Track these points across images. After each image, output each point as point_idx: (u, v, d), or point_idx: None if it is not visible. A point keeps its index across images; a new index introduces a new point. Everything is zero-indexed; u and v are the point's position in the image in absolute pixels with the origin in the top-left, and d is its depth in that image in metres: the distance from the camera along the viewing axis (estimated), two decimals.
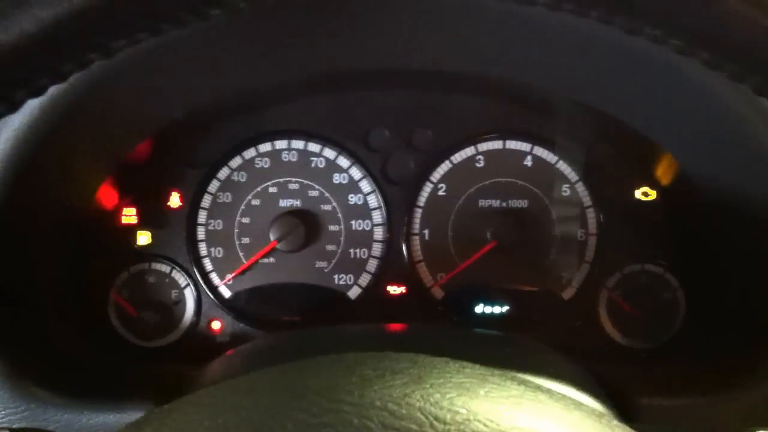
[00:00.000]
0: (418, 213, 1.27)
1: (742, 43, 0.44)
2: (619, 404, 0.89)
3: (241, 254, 1.27)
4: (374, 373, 0.49)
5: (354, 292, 1.28)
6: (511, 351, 0.92)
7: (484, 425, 0.44)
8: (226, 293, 1.27)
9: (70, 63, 0.48)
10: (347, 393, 0.46)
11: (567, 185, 1.26)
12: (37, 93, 0.50)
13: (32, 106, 0.96)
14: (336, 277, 1.28)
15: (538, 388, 0.52)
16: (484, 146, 1.26)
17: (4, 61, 0.46)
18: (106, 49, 0.48)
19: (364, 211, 1.27)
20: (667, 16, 0.45)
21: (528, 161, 1.26)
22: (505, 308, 1.27)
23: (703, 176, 1.12)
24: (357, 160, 1.27)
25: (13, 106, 0.50)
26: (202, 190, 1.27)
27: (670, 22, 0.46)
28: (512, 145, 1.26)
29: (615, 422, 0.52)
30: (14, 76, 0.47)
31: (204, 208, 1.27)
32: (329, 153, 1.27)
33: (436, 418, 0.44)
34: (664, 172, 1.21)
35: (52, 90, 0.97)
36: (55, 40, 0.46)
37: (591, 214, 1.26)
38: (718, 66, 0.47)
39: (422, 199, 1.27)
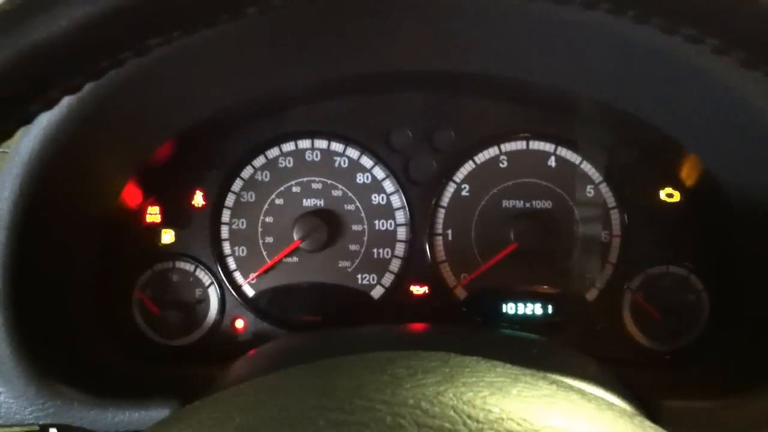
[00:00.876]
0: (441, 213, 1.27)
1: None
2: (641, 405, 0.89)
3: (264, 253, 1.27)
4: (406, 371, 0.49)
5: (377, 292, 1.28)
6: (537, 352, 0.92)
7: (518, 424, 0.44)
8: (250, 292, 1.28)
9: (105, 61, 0.49)
10: (379, 391, 0.46)
11: (591, 186, 1.26)
12: (72, 91, 0.50)
13: (60, 105, 0.97)
14: (359, 276, 1.28)
15: (570, 387, 0.52)
16: (507, 147, 1.26)
17: (40, 60, 0.46)
18: (140, 48, 0.48)
19: (387, 211, 1.27)
20: (703, 14, 0.45)
21: (551, 162, 1.26)
22: (528, 309, 1.26)
23: (728, 178, 1.11)
24: (380, 160, 1.27)
25: (48, 105, 0.50)
26: (226, 189, 1.27)
27: (707, 21, 0.45)
28: (536, 145, 1.26)
29: (648, 423, 0.52)
30: (50, 75, 0.48)
31: (228, 207, 1.27)
32: (352, 153, 1.27)
33: (469, 417, 0.44)
34: (688, 173, 1.20)
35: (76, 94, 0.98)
36: (91, 39, 0.46)
37: (615, 215, 1.25)
38: (755, 65, 0.47)
39: (445, 200, 1.27)
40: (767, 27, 0.44)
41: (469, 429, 0.43)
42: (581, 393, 0.52)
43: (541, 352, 0.93)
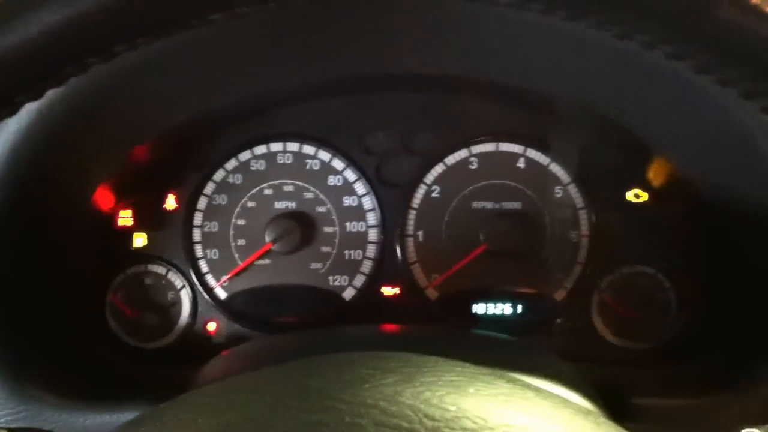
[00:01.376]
0: (413, 215, 1.28)
1: (730, 49, 0.45)
2: (610, 404, 0.90)
3: (236, 256, 1.28)
4: (367, 372, 0.50)
5: (349, 293, 1.29)
6: (503, 351, 0.93)
7: (473, 422, 0.45)
8: (222, 295, 1.28)
9: (72, 67, 0.49)
10: (340, 391, 0.47)
11: (560, 187, 1.27)
12: (36, 96, 0.51)
13: (29, 109, 0.97)
14: (331, 278, 1.29)
15: (527, 386, 0.53)
16: (477, 148, 1.27)
17: (5, 64, 0.46)
18: (104, 55, 0.49)
19: (358, 213, 1.28)
20: (640, 19, 0.46)
21: (521, 163, 1.27)
22: (499, 309, 1.28)
23: (695, 178, 1.13)
24: (352, 162, 1.28)
25: (12, 110, 0.50)
26: (198, 192, 1.28)
27: (645, 26, 0.47)
28: (505, 147, 1.27)
29: (602, 419, 0.53)
30: (14, 80, 0.48)
31: (200, 210, 1.28)
32: (324, 155, 1.28)
33: (426, 416, 0.45)
34: (656, 174, 1.22)
35: (51, 93, 0.98)
36: (53, 46, 0.47)
37: (584, 215, 1.27)
38: (707, 71, 0.48)
39: (416, 201, 1.28)
40: (718, 36, 0.46)
41: (426, 427, 0.45)
42: (538, 391, 0.53)
43: (506, 351, 0.94)
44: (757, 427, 0.64)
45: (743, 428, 0.64)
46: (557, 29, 0.99)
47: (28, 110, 0.97)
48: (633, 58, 0.99)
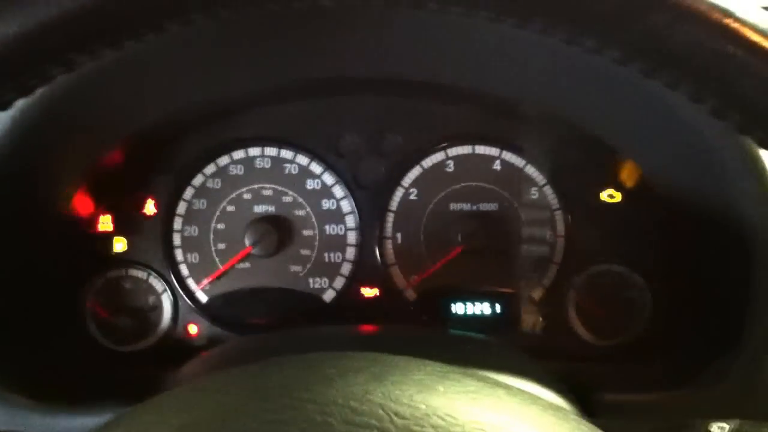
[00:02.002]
0: (390, 217, 1.30)
1: (667, 53, 0.47)
2: (583, 400, 0.92)
3: (216, 260, 1.29)
4: (336, 371, 0.51)
5: (329, 296, 1.30)
6: (474, 350, 0.94)
7: (443, 420, 0.47)
8: (203, 298, 1.29)
9: (35, 78, 0.50)
10: (309, 391, 0.48)
11: (535, 188, 1.29)
12: (3, 107, 0.51)
13: (2, 116, 0.97)
14: (311, 280, 1.30)
15: (496, 384, 0.54)
16: (453, 151, 1.29)
17: None
18: (69, 64, 0.49)
19: (337, 216, 1.29)
20: (583, 26, 0.47)
21: (497, 165, 1.29)
22: (477, 309, 1.29)
23: (662, 181, 1.15)
24: (329, 166, 1.29)
25: None
26: (177, 197, 1.28)
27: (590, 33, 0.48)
28: (481, 150, 1.29)
29: (572, 416, 0.55)
30: None
31: (179, 215, 1.28)
32: (302, 159, 1.29)
33: (396, 414, 0.46)
34: (627, 175, 1.24)
35: (21, 100, 0.98)
36: (17, 56, 0.47)
37: (559, 216, 1.28)
38: (653, 77, 0.50)
39: (394, 204, 1.29)
40: (660, 40, 0.47)
41: (396, 425, 0.46)
42: (507, 388, 0.54)
43: (478, 350, 0.96)
44: (725, 422, 0.66)
45: (712, 423, 0.66)
46: (523, 37, 1.01)
47: (1, 117, 0.97)
48: (592, 64, 1.01)
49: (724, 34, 0.44)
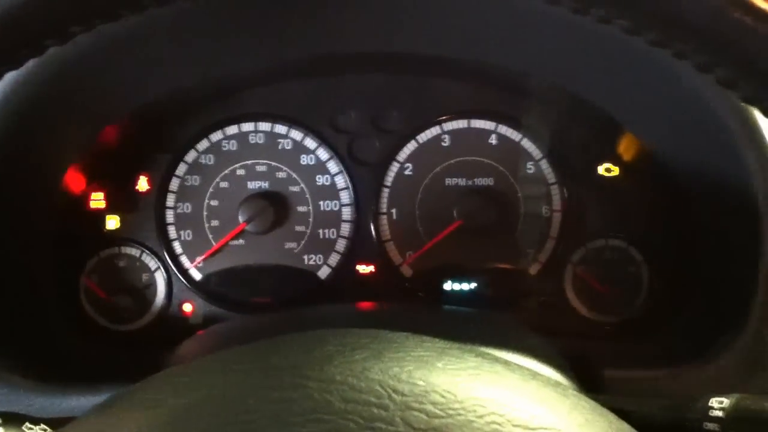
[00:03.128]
0: (386, 193, 1.29)
1: (681, 24, 0.46)
2: (583, 376, 0.91)
3: (210, 237, 1.28)
4: (335, 349, 0.50)
5: (324, 272, 1.29)
6: (473, 326, 0.94)
7: (442, 396, 0.46)
8: (197, 276, 1.28)
9: (25, 49, 0.49)
10: (309, 368, 0.47)
11: (531, 163, 1.28)
12: None
13: None
14: (306, 257, 1.29)
15: (496, 360, 0.54)
16: (449, 126, 1.28)
17: None
18: (61, 35, 0.49)
19: (331, 192, 1.29)
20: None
21: (493, 140, 1.28)
22: (474, 285, 1.29)
23: (665, 154, 1.15)
24: (324, 141, 1.28)
25: None
26: (170, 173, 1.27)
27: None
28: (477, 124, 1.28)
29: (571, 391, 0.54)
30: None
31: (172, 192, 1.27)
32: (296, 134, 1.28)
33: (395, 390, 0.46)
34: (626, 149, 1.23)
35: (16, 74, 0.98)
36: (7, 26, 0.47)
37: (555, 190, 1.27)
38: (665, 46, 0.49)
39: (389, 179, 1.29)
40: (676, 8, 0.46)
41: (395, 402, 0.45)
42: (506, 364, 0.54)
43: (477, 326, 0.95)
44: (724, 396, 0.65)
45: (711, 397, 0.66)
46: (525, 8, 1.00)
47: None
48: (599, 36, 1.00)
49: (736, 3, 0.44)
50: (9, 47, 0.47)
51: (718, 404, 0.64)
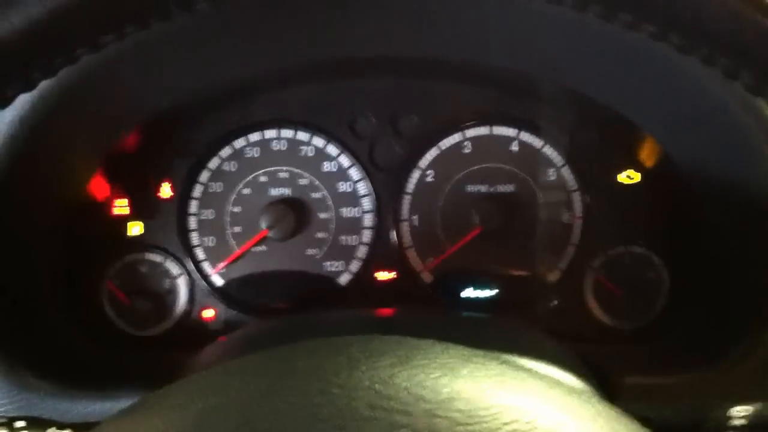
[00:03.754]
0: (407, 199, 1.29)
1: (707, 29, 0.46)
2: (603, 383, 0.91)
3: (232, 243, 1.28)
4: (362, 354, 0.51)
5: (345, 279, 1.30)
6: (497, 333, 0.94)
7: (467, 403, 0.46)
8: (219, 281, 1.29)
9: (60, 57, 0.50)
10: (335, 374, 0.48)
11: (553, 169, 1.28)
12: (28, 88, 0.51)
13: (22, 100, 0.97)
14: (327, 264, 1.30)
15: (520, 367, 0.54)
16: (470, 132, 1.28)
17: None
18: (94, 44, 0.50)
19: (353, 199, 1.29)
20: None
21: (514, 146, 1.28)
22: (494, 291, 1.29)
23: (685, 159, 1.14)
24: (345, 147, 1.28)
25: (5, 102, 0.51)
26: (193, 180, 1.28)
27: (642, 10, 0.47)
28: (498, 130, 1.28)
29: (595, 399, 0.54)
30: (5, 72, 0.49)
31: (195, 198, 1.28)
32: (318, 141, 1.28)
33: (421, 398, 0.46)
34: (647, 155, 1.23)
35: (41, 85, 0.99)
36: (46, 36, 0.47)
37: (577, 197, 1.27)
38: (691, 52, 0.49)
39: (410, 186, 1.29)
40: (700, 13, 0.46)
41: (421, 409, 0.45)
42: (530, 372, 0.54)
43: (499, 332, 0.95)
44: (747, 404, 0.65)
45: (734, 405, 0.66)
46: (543, 13, 1.00)
47: (21, 101, 0.97)
48: (617, 41, 1.00)
49: (761, 8, 0.44)
50: (44, 56, 0.48)
51: (741, 412, 0.64)
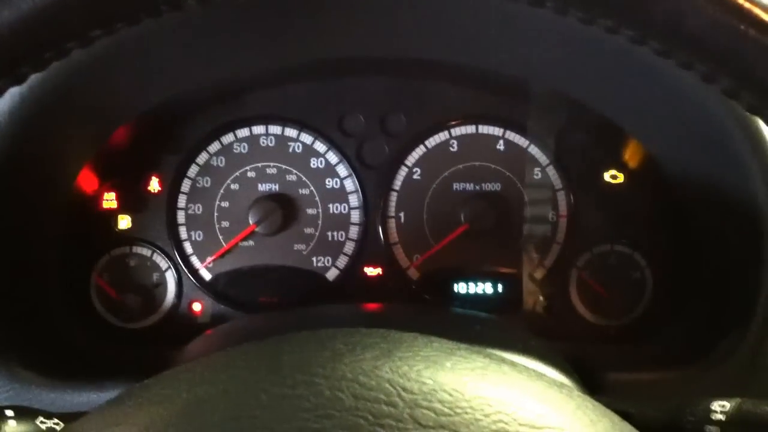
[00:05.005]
0: (394, 196, 1.30)
1: (690, 34, 0.47)
2: (586, 379, 0.92)
3: (220, 237, 1.29)
4: (346, 347, 0.51)
5: (332, 274, 1.31)
6: (481, 328, 0.95)
7: (449, 395, 0.47)
8: (207, 276, 1.30)
9: (50, 52, 0.50)
10: (320, 366, 0.49)
11: (538, 168, 1.29)
12: (17, 82, 0.52)
13: (12, 93, 0.98)
14: (314, 259, 1.30)
15: (503, 360, 0.55)
16: (457, 131, 1.29)
17: None
18: (84, 39, 0.50)
19: (340, 195, 1.30)
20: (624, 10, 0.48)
21: (500, 145, 1.29)
22: (479, 288, 1.30)
23: (668, 161, 1.16)
24: (333, 144, 1.29)
25: None
26: (181, 174, 1.28)
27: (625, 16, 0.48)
28: (485, 129, 1.29)
29: (576, 392, 0.55)
30: None
31: (184, 193, 1.29)
32: (306, 138, 1.29)
33: (404, 389, 0.47)
34: (631, 155, 1.24)
35: (31, 78, 0.99)
36: (35, 30, 0.48)
37: (561, 196, 1.29)
38: (669, 57, 0.50)
39: (397, 183, 1.30)
40: (677, 19, 0.47)
41: (404, 400, 0.46)
42: (513, 365, 0.55)
43: (483, 328, 0.96)
44: (726, 400, 0.66)
45: (714, 401, 0.67)
46: (530, 16, 1.01)
47: (11, 94, 0.98)
48: (603, 45, 1.01)
49: (739, 15, 0.45)
50: (34, 50, 0.49)
51: (720, 407, 0.65)
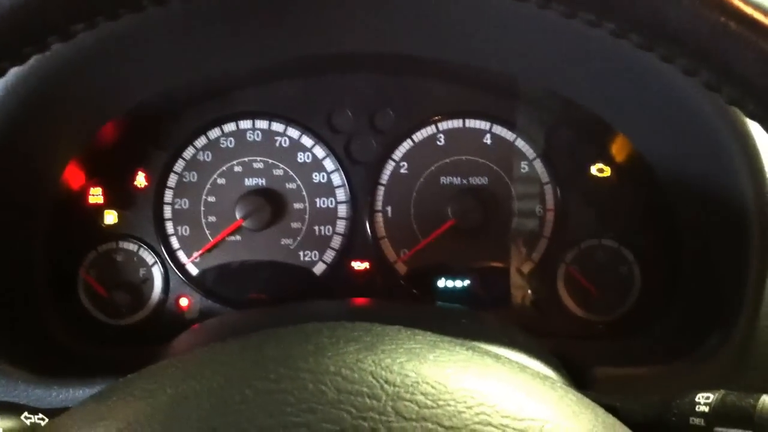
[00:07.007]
0: (381, 191, 1.30)
1: (660, 27, 0.47)
2: (574, 374, 0.93)
3: (207, 232, 1.29)
4: (329, 341, 0.51)
5: (319, 269, 1.30)
6: (466, 322, 0.95)
7: (432, 387, 0.47)
8: (194, 271, 1.29)
9: (30, 46, 0.50)
10: (303, 360, 0.49)
11: (525, 162, 1.29)
12: None
13: None
14: (301, 253, 1.30)
15: (486, 353, 0.55)
16: (444, 125, 1.29)
17: None
18: (65, 33, 0.50)
19: (328, 190, 1.30)
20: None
21: (487, 139, 1.29)
22: (467, 283, 1.30)
23: (655, 156, 1.16)
24: (320, 139, 1.29)
25: None
26: (168, 169, 1.28)
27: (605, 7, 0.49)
28: (472, 123, 1.29)
29: (559, 384, 0.56)
30: None
31: (170, 188, 1.28)
32: (293, 132, 1.29)
33: (387, 381, 0.47)
34: (618, 150, 1.24)
35: (18, 71, 0.99)
36: (14, 23, 0.48)
37: (549, 190, 1.29)
38: (650, 49, 0.50)
39: (385, 178, 1.30)
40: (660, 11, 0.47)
41: (387, 393, 0.46)
42: (496, 357, 0.55)
43: (469, 322, 0.96)
44: (710, 392, 0.67)
45: (698, 393, 0.67)
46: (517, 12, 1.01)
47: None
48: (589, 40, 1.01)
49: (720, 7, 0.45)
50: (14, 44, 0.49)
51: (704, 399, 0.66)
